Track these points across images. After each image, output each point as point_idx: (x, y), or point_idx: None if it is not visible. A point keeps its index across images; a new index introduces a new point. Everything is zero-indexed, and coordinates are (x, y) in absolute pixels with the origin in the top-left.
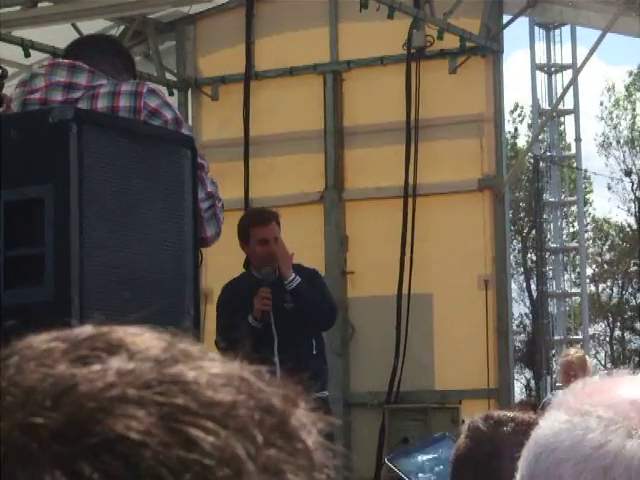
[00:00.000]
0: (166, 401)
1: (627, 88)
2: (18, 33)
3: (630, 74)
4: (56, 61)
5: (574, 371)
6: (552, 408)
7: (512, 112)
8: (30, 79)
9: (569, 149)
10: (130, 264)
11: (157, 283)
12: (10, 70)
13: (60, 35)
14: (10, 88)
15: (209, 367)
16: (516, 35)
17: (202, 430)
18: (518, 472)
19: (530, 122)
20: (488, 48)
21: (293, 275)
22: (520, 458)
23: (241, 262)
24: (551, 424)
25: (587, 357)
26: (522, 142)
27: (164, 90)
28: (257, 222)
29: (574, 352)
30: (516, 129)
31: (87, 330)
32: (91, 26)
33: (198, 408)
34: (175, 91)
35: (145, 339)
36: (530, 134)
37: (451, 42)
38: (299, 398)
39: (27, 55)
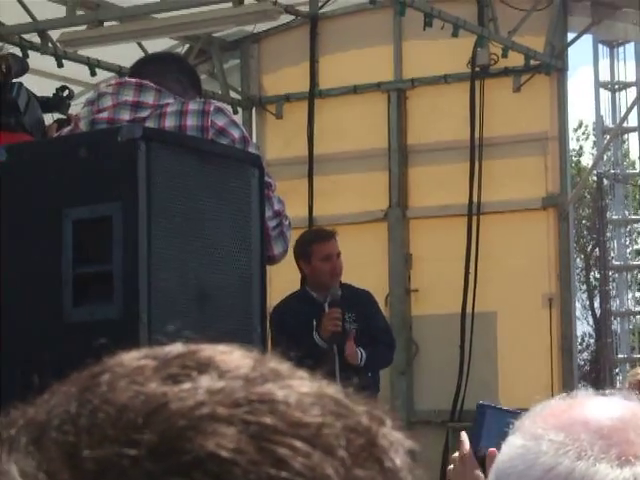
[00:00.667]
0: (255, 420)
1: None
2: (84, 52)
3: None
4: (123, 80)
5: None
6: (511, 432)
7: (576, 130)
8: (98, 98)
9: (633, 167)
10: (198, 282)
11: (225, 301)
12: (76, 89)
13: (126, 54)
14: (77, 107)
15: (298, 386)
16: (580, 53)
17: (291, 450)
18: None
19: (595, 140)
20: (552, 66)
21: (359, 358)
22: None
23: None
24: (508, 449)
25: None
26: (586, 160)
27: (229, 108)
28: (320, 238)
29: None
30: (581, 147)
31: (177, 348)
32: (156, 45)
33: (287, 428)
34: (239, 109)
35: (234, 358)
36: (594, 152)
37: (515, 60)
38: (385, 417)
39: (93, 74)
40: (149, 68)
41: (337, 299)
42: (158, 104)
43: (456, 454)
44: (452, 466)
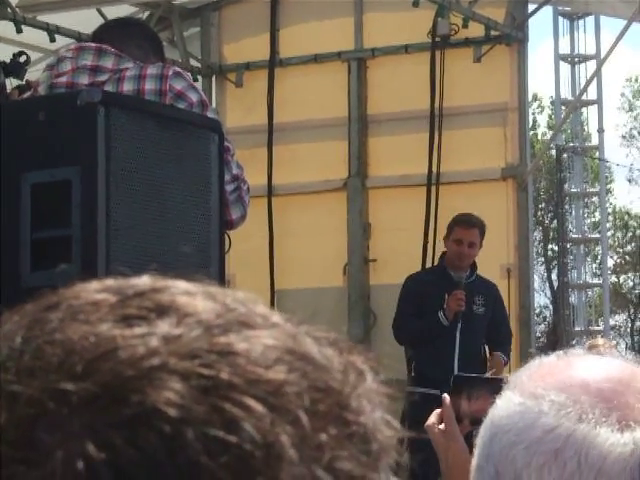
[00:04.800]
0: (210, 374)
1: None
2: (43, 18)
3: None
4: (83, 45)
5: None
6: (508, 388)
7: (531, 104)
8: (57, 63)
9: (590, 140)
10: (156, 246)
11: (183, 265)
12: (35, 55)
13: (85, 20)
14: (37, 73)
15: (265, 337)
16: (538, 26)
17: (245, 410)
18: (475, 450)
19: (550, 113)
20: (513, 37)
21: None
22: (478, 436)
23: (264, 248)
24: (506, 405)
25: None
26: (541, 133)
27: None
28: (461, 223)
29: (603, 342)
30: (535, 120)
31: (141, 284)
32: (116, 11)
33: (244, 385)
34: (199, 77)
35: (199, 301)
36: (550, 125)
37: (476, 31)
38: (368, 371)
39: (52, 40)
40: (111, 33)
41: (461, 283)
42: (117, 68)
43: (433, 419)
44: (436, 429)
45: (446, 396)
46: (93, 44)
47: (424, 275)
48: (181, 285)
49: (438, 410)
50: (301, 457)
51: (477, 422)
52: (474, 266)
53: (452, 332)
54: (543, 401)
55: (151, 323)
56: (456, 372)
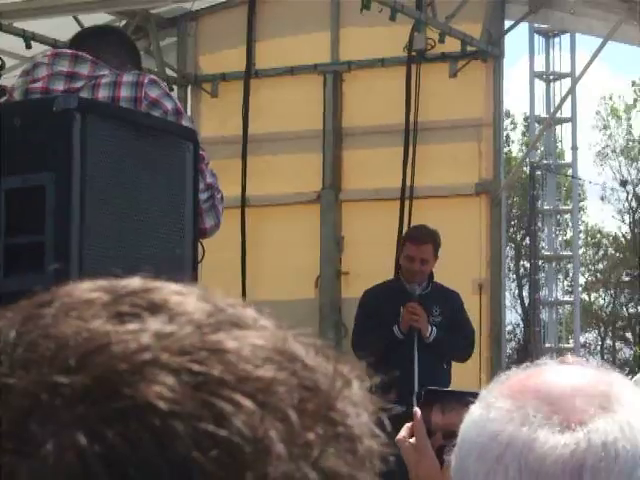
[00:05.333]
0: (201, 370)
1: (635, 100)
2: (19, 24)
3: (633, 84)
4: (59, 51)
5: None
6: (479, 398)
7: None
8: (32, 68)
9: (564, 157)
10: (130, 254)
11: (156, 273)
12: (11, 61)
13: (62, 27)
14: (13, 79)
15: (254, 337)
16: (514, 43)
17: (235, 406)
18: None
19: (524, 130)
20: (488, 53)
21: (429, 329)
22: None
23: (237, 259)
24: (467, 417)
25: None
26: (515, 149)
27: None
28: (412, 239)
29: (572, 360)
30: (508, 136)
31: (133, 283)
32: (93, 19)
33: (234, 381)
34: (175, 87)
35: (191, 301)
36: (523, 142)
37: (452, 46)
38: (353, 378)
39: (28, 47)
40: (88, 41)
41: (416, 295)
42: (93, 75)
43: (403, 433)
44: (406, 443)
45: (417, 410)
46: (69, 50)
47: (380, 288)
48: (173, 286)
49: (409, 424)
50: (290, 453)
51: (450, 435)
52: (431, 276)
53: (410, 346)
54: (492, 409)
55: (143, 320)
56: (416, 388)
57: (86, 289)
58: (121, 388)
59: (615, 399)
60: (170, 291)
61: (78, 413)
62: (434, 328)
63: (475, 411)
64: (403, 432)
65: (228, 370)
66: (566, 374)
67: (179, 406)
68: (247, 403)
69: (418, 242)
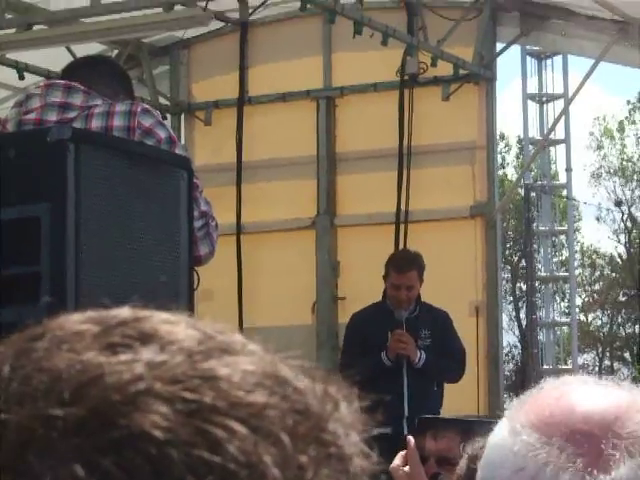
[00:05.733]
0: (194, 398)
1: (624, 119)
2: (12, 56)
3: (628, 103)
4: (52, 82)
5: None
6: (507, 411)
7: (497, 142)
8: (26, 100)
9: (558, 179)
10: (124, 283)
11: (151, 302)
12: (4, 93)
13: (54, 58)
14: (5, 110)
15: (244, 363)
16: (508, 67)
17: (228, 432)
18: None
19: (518, 152)
20: (481, 76)
21: (418, 355)
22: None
23: (233, 286)
24: (496, 434)
25: None
26: (509, 172)
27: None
28: (395, 268)
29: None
30: (503, 158)
31: (122, 314)
32: (85, 49)
33: (227, 408)
34: (168, 115)
35: (180, 329)
36: (517, 164)
37: (444, 69)
38: (342, 399)
39: (21, 78)
40: (80, 71)
41: (402, 321)
42: (86, 105)
43: (397, 462)
44: (400, 471)
45: (411, 438)
46: (62, 81)
47: (367, 312)
48: (162, 315)
49: (402, 452)
50: (284, 477)
51: (443, 461)
52: (418, 298)
53: (399, 372)
54: (518, 439)
55: (135, 350)
56: (406, 412)
57: (76, 321)
58: (116, 418)
59: None
60: (159, 320)
61: (74, 445)
62: (422, 353)
63: (501, 432)
64: (397, 460)
65: (220, 397)
66: (594, 403)
67: (173, 434)
68: (240, 429)
69: (402, 270)
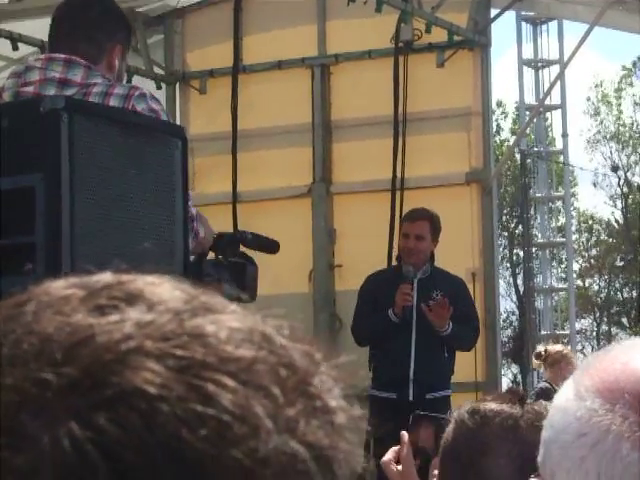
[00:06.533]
0: (184, 355)
1: (619, 82)
2: (6, 26)
3: (623, 68)
4: (52, 55)
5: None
6: (576, 373)
7: (494, 110)
8: (25, 71)
9: (554, 144)
10: (121, 253)
11: (148, 273)
12: None
13: (48, 28)
14: (0, 81)
15: (230, 321)
16: (502, 33)
17: (220, 386)
18: None
19: (514, 118)
20: (476, 42)
21: (447, 325)
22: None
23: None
24: (561, 396)
25: (568, 352)
26: (506, 138)
27: (152, 84)
28: (407, 218)
29: (561, 348)
30: (499, 125)
31: (106, 278)
32: None
33: (217, 363)
34: (163, 85)
35: (165, 290)
36: (514, 130)
37: (439, 36)
38: (322, 359)
39: (15, 48)
40: (60, 29)
41: (411, 277)
42: (85, 83)
43: (389, 456)
44: (392, 467)
45: (404, 434)
46: (62, 55)
47: (381, 274)
48: (146, 277)
49: (395, 447)
50: (277, 429)
51: (420, 452)
52: (432, 260)
53: (408, 330)
54: (582, 404)
55: (123, 311)
56: (412, 374)
57: (61, 286)
58: (108, 377)
59: None
60: (144, 282)
61: (69, 404)
62: (451, 323)
63: (566, 395)
64: (389, 455)
65: (210, 353)
66: None
67: (166, 390)
68: (231, 382)
69: (412, 219)
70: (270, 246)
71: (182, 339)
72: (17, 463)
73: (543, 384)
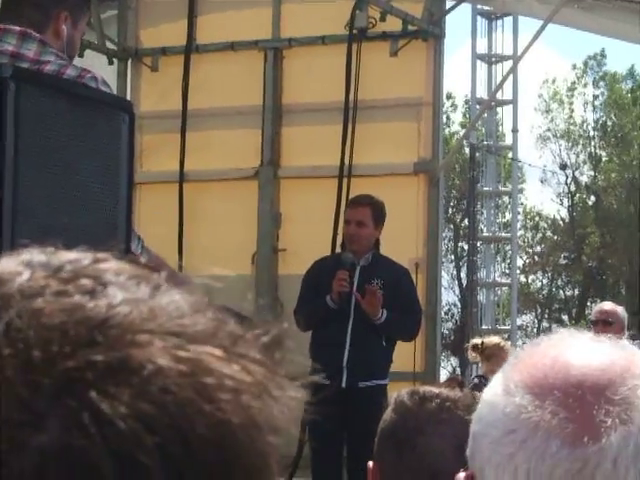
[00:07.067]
0: (173, 331)
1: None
2: None
3: (574, 67)
4: (7, 27)
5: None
6: (504, 367)
7: (444, 102)
8: None
9: (503, 139)
10: (64, 224)
11: (91, 243)
12: None
13: None
14: None
15: (180, 294)
16: (457, 26)
17: (210, 355)
18: None
19: (464, 112)
20: (430, 32)
21: (380, 314)
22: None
23: (174, 234)
24: (490, 390)
25: (506, 345)
26: (455, 131)
27: (104, 59)
28: (350, 204)
29: (499, 341)
30: (448, 118)
31: (64, 257)
32: None
33: (197, 334)
34: (115, 60)
35: (113, 265)
36: (463, 124)
37: (393, 25)
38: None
39: None
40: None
41: (349, 263)
42: (38, 59)
43: None
44: None
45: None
46: (17, 27)
47: (326, 260)
48: (93, 254)
49: None
50: (255, 382)
51: None
52: (376, 247)
53: (345, 317)
54: (511, 399)
55: (105, 293)
56: (345, 361)
57: (27, 278)
58: (129, 360)
59: (637, 405)
60: (95, 257)
61: (103, 389)
62: (385, 311)
63: (495, 390)
64: None
65: (192, 325)
66: (592, 366)
67: (173, 364)
68: (217, 352)
69: (354, 205)
70: None
71: (165, 315)
72: (34, 444)
73: (477, 378)
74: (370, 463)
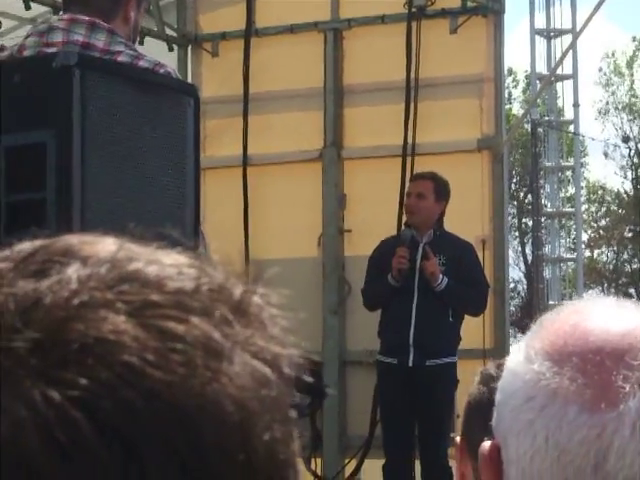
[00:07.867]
0: (131, 299)
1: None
2: None
3: (634, 40)
4: (75, 17)
5: None
6: (527, 336)
7: (505, 77)
8: (48, 31)
9: (563, 114)
10: (132, 211)
11: (158, 230)
12: (10, 23)
13: None
14: (11, 41)
15: (163, 260)
16: (515, 1)
17: (173, 320)
18: None
19: (525, 88)
20: (489, 8)
21: (439, 279)
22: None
23: (239, 218)
24: (510, 360)
25: None
26: (516, 108)
27: (164, 46)
28: (411, 179)
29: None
30: (510, 93)
31: (28, 246)
32: None
33: (163, 300)
34: (175, 47)
35: (94, 244)
36: (525, 99)
37: (452, 1)
38: (251, 282)
39: (27, 8)
40: None
41: (406, 240)
42: (108, 50)
43: None
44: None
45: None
46: (86, 17)
47: (389, 240)
48: (65, 237)
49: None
50: (232, 347)
51: None
52: (439, 225)
53: (409, 295)
54: (530, 367)
55: (60, 271)
56: (411, 340)
57: None
58: (68, 333)
59: None
60: (69, 240)
61: (36, 367)
62: (444, 277)
63: (517, 357)
64: None
65: (154, 291)
66: (611, 332)
67: (124, 334)
68: (182, 315)
69: (416, 178)
70: None
71: (125, 284)
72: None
73: None
74: (457, 438)
